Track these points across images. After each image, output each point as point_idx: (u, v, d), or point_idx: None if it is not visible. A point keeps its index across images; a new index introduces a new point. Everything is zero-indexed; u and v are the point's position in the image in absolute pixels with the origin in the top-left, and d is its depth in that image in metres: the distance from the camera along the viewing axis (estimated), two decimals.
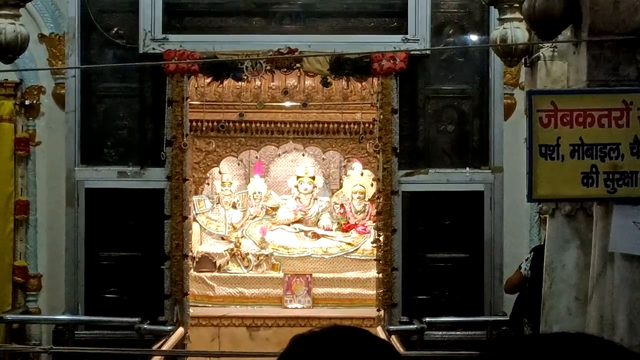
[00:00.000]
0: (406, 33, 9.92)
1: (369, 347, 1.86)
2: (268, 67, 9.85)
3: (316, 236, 13.12)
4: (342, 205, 13.37)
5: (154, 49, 9.85)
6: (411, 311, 9.87)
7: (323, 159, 13.56)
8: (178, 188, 9.84)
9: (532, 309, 7.62)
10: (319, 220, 13.37)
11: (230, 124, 12.63)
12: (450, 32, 10.04)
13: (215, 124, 12.56)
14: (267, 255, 12.67)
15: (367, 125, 11.90)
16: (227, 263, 12.65)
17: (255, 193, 13.44)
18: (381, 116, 9.87)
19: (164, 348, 8.79)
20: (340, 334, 1.89)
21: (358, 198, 13.25)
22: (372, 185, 11.70)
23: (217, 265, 12.59)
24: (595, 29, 5.10)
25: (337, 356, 1.81)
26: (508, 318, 9.23)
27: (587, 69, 5.19)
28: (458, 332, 9.88)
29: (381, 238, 9.97)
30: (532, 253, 8.68)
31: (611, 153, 5.14)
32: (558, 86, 6.70)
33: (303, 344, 1.87)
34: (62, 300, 10.14)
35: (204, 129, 12.64)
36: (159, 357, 8.16)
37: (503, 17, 7.50)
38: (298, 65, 9.89)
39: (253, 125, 12.90)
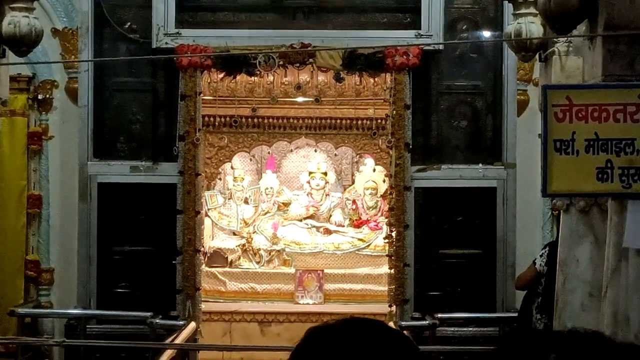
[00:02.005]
0: (419, 29, 9.89)
1: (386, 339, 1.84)
2: (281, 62, 9.84)
3: (328, 232, 13.11)
4: (354, 201, 13.36)
5: (166, 43, 9.85)
6: (423, 307, 9.84)
7: (335, 155, 13.55)
8: (190, 183, 9.83)
9: (548, 305, 7.58)
10: (330, 216, 13.37)
11: (243, 119, 12.63)
12: (464, 28, 10.01)
13: (227, 119, 12.54)
14: (278, 251, 12.67)
15: (379, 121, 11.88)
16: (239, 258, 12.66)
17: (267, 189, 13.44)
18: (394, 112, 9.84)
19: (176, 342, 8.78)
20: (356, 326, 1.87)
21: (370, 194, 13.23)
22: (384, 181, 11.70)
23: (229, 260, 12.59)
24: (611, 23, 5.09)
25: (353, 347, 1.80)
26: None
27: (602, 63, 5.18)
28: (470, 329, 9.86)
29: (393, 234, 9.96)
30: (547, 248, 8.64)
31: (626, 148, 5.13)
32: (573, 81, 6.68)
33: (319, 336, 1.86)
34: (74, 295, 10.15)
35: (216, 124, 12.62)
36: (171, 350, 8.16)
37: (518, 12, 7.48)
38: (311, 60, 9.88)
39: (265, 120, 12.89)
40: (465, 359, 9.29)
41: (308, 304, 12.08)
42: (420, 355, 1.87)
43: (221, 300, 12.15)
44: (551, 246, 8.50)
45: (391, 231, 10.06)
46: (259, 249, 12.67)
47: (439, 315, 9.54)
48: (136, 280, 10.01)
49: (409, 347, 1.87)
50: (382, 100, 10.97)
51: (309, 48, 9.73)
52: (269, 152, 13.54)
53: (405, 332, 9.16)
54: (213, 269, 12.35)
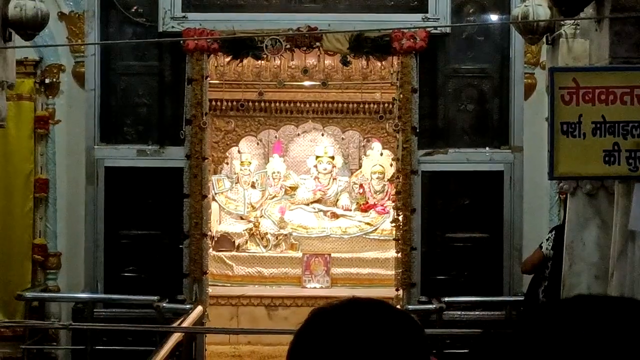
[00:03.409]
0: (426, 12, 9.86)
1: (389, 319, 1.84)
2: (288, 46, 9.81)
3: (335, 216, 13.12)
4: (361, 185, 13.37)
5: (173, 27, 9.83)
6: (430, 291, 9.85)
7: (342, 139, 13.55)
8: (197, 167, 9.83)
9: (555, 288, 7.57)
10: (338, 200, 13.38)
11: (250, 103, 12.64)
12: (471, 11, 9.98)
13: (234, 103, 12.56)
14: (286, 235, 12.68)
15: (386, 104, 11.89)
16: (246, 243, 12.68)
17: (274, 173, 13.46)
18: (401, 95, 9.82)
19: (183, 326, 8.79)
20: (360, 306, 1.87)
21: (377, 178, 13.24)
22: (391, 165, 11.70)
23: (236, 244, 12.61)
24: (618, 5, 5.06)
25: (357, 328, 1.79)
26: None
27: (609, 45, 5.16)
28: (477, 312, 9.86)
29: (400, 218, 9.94)
30: (554, 232, 8.63)
31: (633, 131, 5.11)
32: (580, 64, 6.65)
33: (322, 317, 1.86)
34: (81, 279, 10.16)
35: (223, 108, 12.64)
36: (178, 334, 8.17)
37: None
38: (318, 44, 9.85)
39: (272, 104, 12.89)
40: (472, 342, 9.26)
41: (315, 288, 12.11)
42: (425, 335, 1.87)
43: (228, 285, 12.18)
44: (557, 230, 8.49)
45: (398, 215, 10.05)
46: (266, 233, 12.69)
47: (446, 299, 9.56)
48: (143, 264, 10.02)
49: (414, 327, 1.86)
50: (389, 84, 10.95)
51: (316, 31, 9.71)
52: (276, 136, 13.55)
53: (412, 315, 9.19)
54: (220, 253, 12.37)
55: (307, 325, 1.86)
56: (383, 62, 10.35)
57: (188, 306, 9.50)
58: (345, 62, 10.14)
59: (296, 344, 1.83)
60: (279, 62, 11.37)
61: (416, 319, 1.94)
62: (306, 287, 12.12)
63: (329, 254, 12.31)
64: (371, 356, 1.76)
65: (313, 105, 12.88)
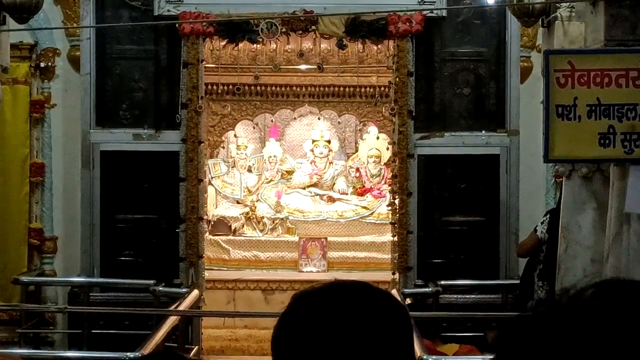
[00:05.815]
0: None
1: (372, 300, 1.84)
2: (283, 30, 9.80)
3: (331, 200, 13.11)
4: (357, 169, 13.35)
5: (169, 10, 9.82)
6: (426, 275, 9.86)
7: (339, 123, 13.52)
8: (193, 151, 9.82)
9: (550, 272, 7.58)
10: (334, 184, 13.35)
11: (246, 87, 12.59)
12: None
13: (230, 87, 12.52)
14: (282, 219, 12.67)
15: (382, 88, 11.86)
16: (243, 227, 12.66)
17: (270, 157, 13.44)
18: (397, 79, 9.81)
19: (180, 309, 8.80)
20: (342, 289, 1.88)
21: (374, 162, 13.22)
22: (387, 149, 11.67)
23: (233, 228, 12.59)
24: None
25: (339, 310, 1.80)
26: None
27: (604, 28, 5.15)
28: (473, 296, 9.88)
29: (397, 201, 9.95)
30: (549, 215, 8.65)
31: (628, 113, 5.11)
32: (575, 47, 6.64)
33: (305, 300, 1.86)
34: (77, 263, 10.17)
35: (219, 92, 12.60)
36: (174, 317, 8.18)
37: None
38: (313, 27, 9.84)
39: (268, 88, 12.84)
40: (468, 325, 9.30)
41: (312, 271, 12.10)
42: (407, 315, 1.87)
43: (225, 269, 12.17)
44: (552, 213, 8.51)
45: (394, 199, 10.05)
46: (263, 217, 12.68)
47: (442, 282, 9.57)
48: (139, 248, 10.02)
49: (397, 307, 1.87)
50: (385, 68, 10.93)
51: (312, 15, 9.69)
52: (272, 120, 13.52)
53: (408, 299, 9.22)
54: (217, 237, 12.36)
55: (291, 308, 1.86)
56: (379, 46, 10.34)
57: (184, 290, 9.51)
58: (341, 46, 10.12)
59: (280, 328, 1.84)
60: (275, 45, 11.33)
61: (397, 299, 1.95)
62: (303, 271, 12.11)
63: (326, 238, 12.30)
64: (354, 337, 1.76)
65: (309, 89, 12.84)
